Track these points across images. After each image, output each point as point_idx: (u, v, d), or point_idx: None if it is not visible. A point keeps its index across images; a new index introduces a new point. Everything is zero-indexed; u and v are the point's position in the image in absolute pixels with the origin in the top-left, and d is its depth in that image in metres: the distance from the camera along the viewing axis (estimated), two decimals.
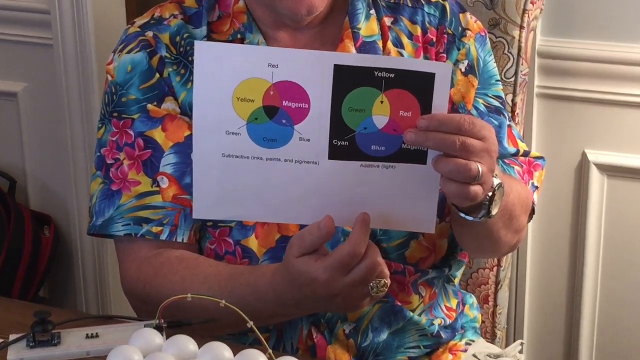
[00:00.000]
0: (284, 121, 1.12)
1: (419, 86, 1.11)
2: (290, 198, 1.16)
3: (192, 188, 1.20)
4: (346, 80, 1.10)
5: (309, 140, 1.13)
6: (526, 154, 1.43)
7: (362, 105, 1.11)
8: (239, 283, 1.21)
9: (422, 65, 1.15)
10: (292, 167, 1.14)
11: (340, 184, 1.14)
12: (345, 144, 1.13)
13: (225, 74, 1.11)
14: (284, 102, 1.11)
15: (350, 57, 1.21)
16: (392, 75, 1.10)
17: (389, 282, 1.15)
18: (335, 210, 1.15)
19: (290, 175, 1.14)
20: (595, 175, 1.92)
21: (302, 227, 1.27)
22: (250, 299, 1.19)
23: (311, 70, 1.10)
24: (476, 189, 1.13)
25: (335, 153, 1.13)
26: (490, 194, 1.17)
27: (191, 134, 1.25)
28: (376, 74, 1.10)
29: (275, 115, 1.12)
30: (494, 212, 1.19)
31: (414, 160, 1.14)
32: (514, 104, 1.65)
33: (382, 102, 1.11)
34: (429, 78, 1.10)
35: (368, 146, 1.13)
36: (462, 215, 1.21)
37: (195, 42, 1.13)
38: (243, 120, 1.12)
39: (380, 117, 1.12)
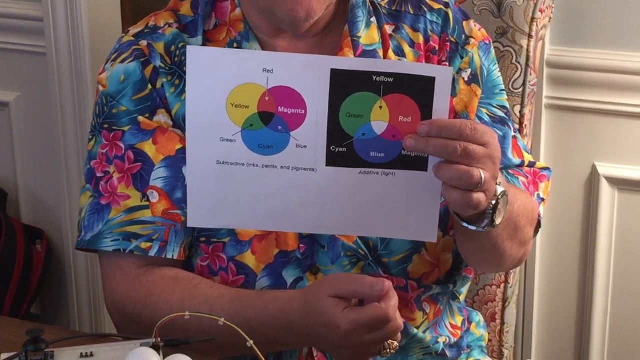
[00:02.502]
0: (279, 127, 1.11)
1: (419, 91, 1.10)
2: (287, 206, 1.15)
3: (183, 202, 1.20)
4: (343, 84, 1.10)
5: (305, 147, 1.12)
6: (531, 164, 1.41)
7: (360, 111, 1.11)
8: (244, 306, 1.20)
9: (421, 68, 1.14)
10: (288, 174, 1.13)
11: (338, 191, 1.14)
12: (343, 150, 1.12)
13: (218, 79, 1.11)
14: (280, 107, 1.11)
15: (348, 61, 1.21)
16: (391, 80, 1.09)
17: (398, 345, 1.19)
18: (333, 218, 1.15)
19: (287, 183, 1.14)
20: (605, 189, 1.91)
21: (300, 239, 1.28)
22: (254, 323, 1.18)
23: (307, 74, 1.10)
24: (478, 196, 1.12)
25: (333, 160, 1.12)
26: (494, 202, 1.16)
27: (183, 148, 1.25)
28: (374, 78, 1.09)
29: (270, 121, 1.11)
30: (498, 221, 1.18)
31: (414, 167, 1.13)
32: (522, 115, 1.64)
33: (380, 107, 1.10)
34: (429, 82, 1.09)
35: (367, 152, 1.12)
36: (465, 224, 1.20)
37: (188, 46, 1.13)
38: (237, 127, 1.12)
39: (379, 123, 1.11)
